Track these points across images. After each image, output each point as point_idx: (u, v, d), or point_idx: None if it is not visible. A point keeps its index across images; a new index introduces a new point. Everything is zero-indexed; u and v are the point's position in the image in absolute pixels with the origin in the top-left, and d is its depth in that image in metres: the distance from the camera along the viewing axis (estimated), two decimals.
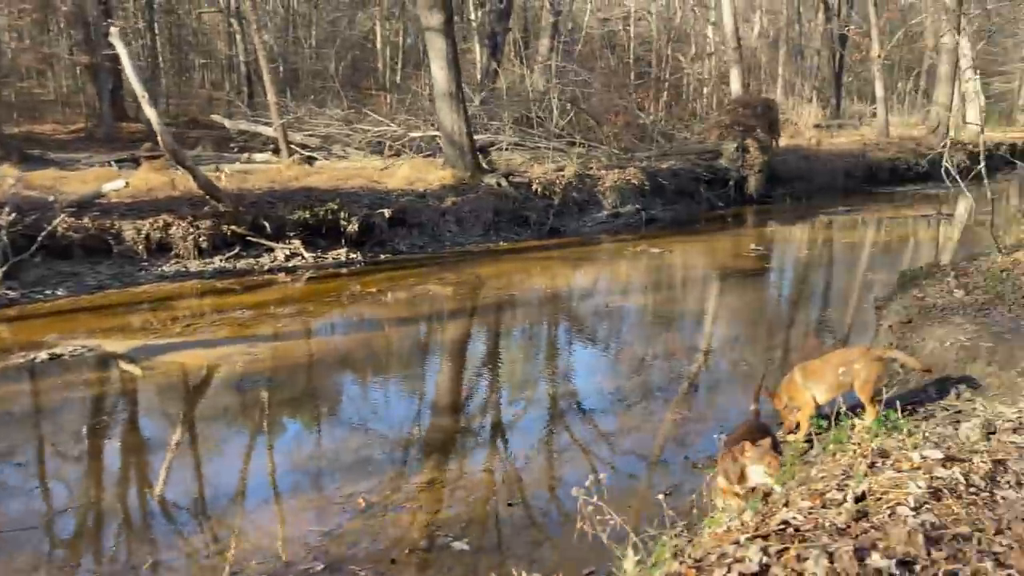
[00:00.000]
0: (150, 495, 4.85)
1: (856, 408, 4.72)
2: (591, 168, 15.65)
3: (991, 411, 4.88)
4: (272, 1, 30.80)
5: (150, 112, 10.39)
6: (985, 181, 8.11)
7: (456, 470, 5.14)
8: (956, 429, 4.50)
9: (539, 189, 14.34)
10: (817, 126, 25.28)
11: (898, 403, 4.58)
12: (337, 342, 8.33)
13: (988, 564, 2.48)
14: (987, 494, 2.96)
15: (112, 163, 14.41)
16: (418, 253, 12.19)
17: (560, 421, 6.07)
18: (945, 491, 2.92)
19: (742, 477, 3.62)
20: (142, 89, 10.40)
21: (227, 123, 18.80)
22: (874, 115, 26.69)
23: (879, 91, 25.53)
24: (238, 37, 25.04)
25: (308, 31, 30.32)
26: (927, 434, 3.91)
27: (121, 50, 10.21)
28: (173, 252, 10.40)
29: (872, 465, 3.28)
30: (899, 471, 3.14)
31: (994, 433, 4.41)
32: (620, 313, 9.42)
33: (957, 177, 8.25)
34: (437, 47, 14.04)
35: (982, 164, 7.95)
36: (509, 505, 4.62)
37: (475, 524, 4.41)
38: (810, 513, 2.85)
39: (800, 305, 10.12)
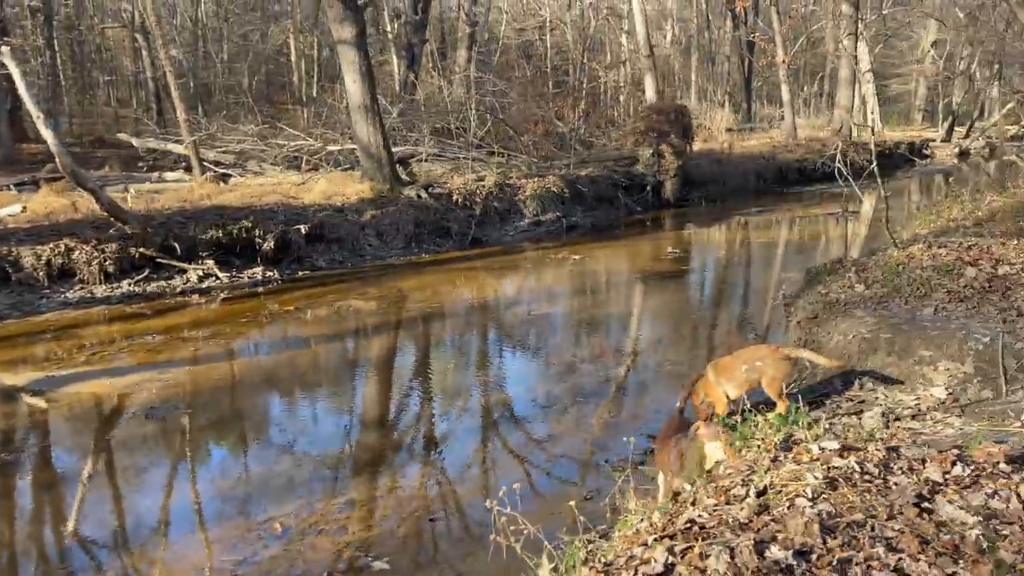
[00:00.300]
0: (64, 531, 4.65)
1: (761, 404, 4.87)
2: (511, 177, 15.73)
3: (892, 399, 5.13)
4: (180, 15, 29.99)
5: (46, 133, 9.93)
6: (878, 180, 8.52)
7: (384, 487, 5.07)
8: (860, 419, 4.70)
9: (460, 199, 14.33)
10: (729, 130, 26.04)
11: (800, 397, 4.75)
12: (255, 363, 8.11)
13: (880, 549, 2.58)
14: (880, 481, 3.08)
15: (11, 186, 13.68)
16: (338, 268, 12.00)
17: (491, 430, 6.07)
18: (841, 480, 3.03)
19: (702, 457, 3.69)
20: (37, 109, 9.95)
21: (135, 141, 18.11)
22: (782, 118, 27.67)
23: (786, 95, 26.49)
24: (144, 52, 24.25)
25: (219, 45, 29.63)
26: (828, 425, 4.06)
27: (13, 69, 9.74)
28: (77, 278, 9.93)
29: (775, 459, 3.39)
30: (799, 463, 3.25)
31: (893, 421, 4.63)
32: (546, 320, 9.49)
33: (849, 177, 8.67)
34: (350, 60, 13.91)
35: (874, 163, 8.35)
36: (431, 520, 4.59)
37: (401, 542, 4.36)
38: (715, 510, 2.92)
39: (721, 305, 10.40)
